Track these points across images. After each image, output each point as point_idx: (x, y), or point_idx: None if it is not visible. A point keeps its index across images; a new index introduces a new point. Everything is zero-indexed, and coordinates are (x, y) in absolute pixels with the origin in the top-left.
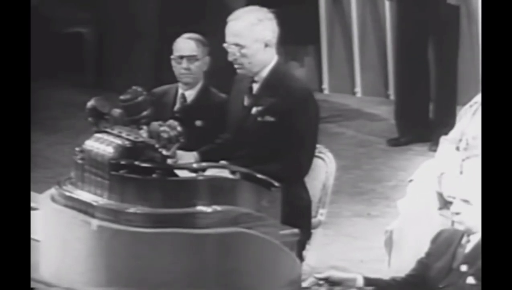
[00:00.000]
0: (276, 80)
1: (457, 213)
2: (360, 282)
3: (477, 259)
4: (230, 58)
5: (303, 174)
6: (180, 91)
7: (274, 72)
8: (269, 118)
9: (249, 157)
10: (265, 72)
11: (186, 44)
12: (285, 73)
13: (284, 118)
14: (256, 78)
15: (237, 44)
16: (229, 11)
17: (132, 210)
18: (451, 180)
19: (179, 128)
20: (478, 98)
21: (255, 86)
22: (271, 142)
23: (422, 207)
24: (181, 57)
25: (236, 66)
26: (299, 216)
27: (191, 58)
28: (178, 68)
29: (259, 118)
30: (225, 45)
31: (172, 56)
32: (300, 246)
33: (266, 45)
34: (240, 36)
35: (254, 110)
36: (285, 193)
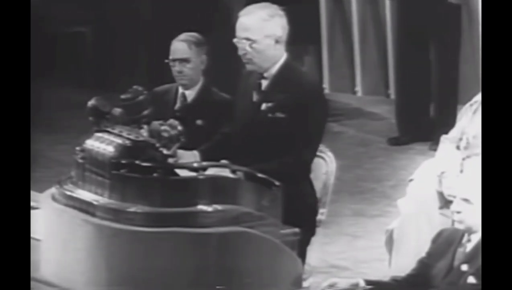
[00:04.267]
0: (286, 76)
1: (458, 212)
2: (361, 284)
3: (478, 258)
4: (240, 52)
5: (308, 170)
6: (180, 90)
7: (284, 68)
8: (279, 114)
9: (256, 153)
10: (274, 69)
11: (178, 47)
12: (295, 70)
13: (294, 114)
14: (265, 75)
15: (248, 39)
16: (230, 10)
17: (132, 209)
18: (452, 179)
19: (179, 127)
20: (478, 97)
21: (264, 83)
22: (280, 138)
23: (422, 206)
24: (174, 60)
25: (245, 61)
26: (304, 213)
27: (183, 61)
28: (174, 70)
29: (269, 115)
30: (235, 40)
31: (168, 59)
32: (304, 244)
33: (277, 42)
34: (251, 31)
35: (264, 106)
36: (292, 190)
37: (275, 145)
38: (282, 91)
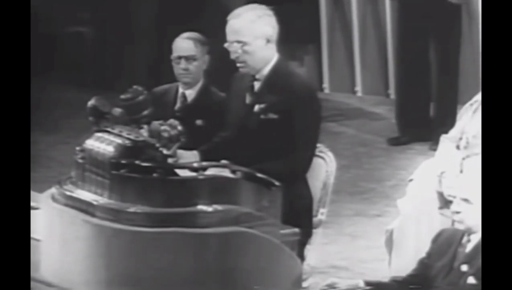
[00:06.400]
0: (278, 77)
1: (458, 212)
2: (361, 285)
3: (478, 258)
4: (232, 56)
5: (304, 171)
6: (180, 90)
7: (276, 69)
8: (272, 115)
9: (251, 155)
10: (266, 70)
11: (184, 44)
12: (286, 71)
13: (287, 115)
14: (257, 76)
15: (238, 42)
16: (229, 9)
17: (132, 209)
18: (452, 179)
19: (179, 127)
20: (478, 97)
21: (257, 84)
22: (274, 140)
23: (422, 206)
24: (180, 57)
25: (238, 64)
26: (300, 214)
27: (189, 58)
28: (177, 68)
29: (262, 116)
30: (226, 44)
31: (171, 56)
32: (301, 245)
33: (268, 41)
34: (241, 34)
35: (256, 108)
36: (287, 191)
37: (271, 146)
38: (274, 92)
